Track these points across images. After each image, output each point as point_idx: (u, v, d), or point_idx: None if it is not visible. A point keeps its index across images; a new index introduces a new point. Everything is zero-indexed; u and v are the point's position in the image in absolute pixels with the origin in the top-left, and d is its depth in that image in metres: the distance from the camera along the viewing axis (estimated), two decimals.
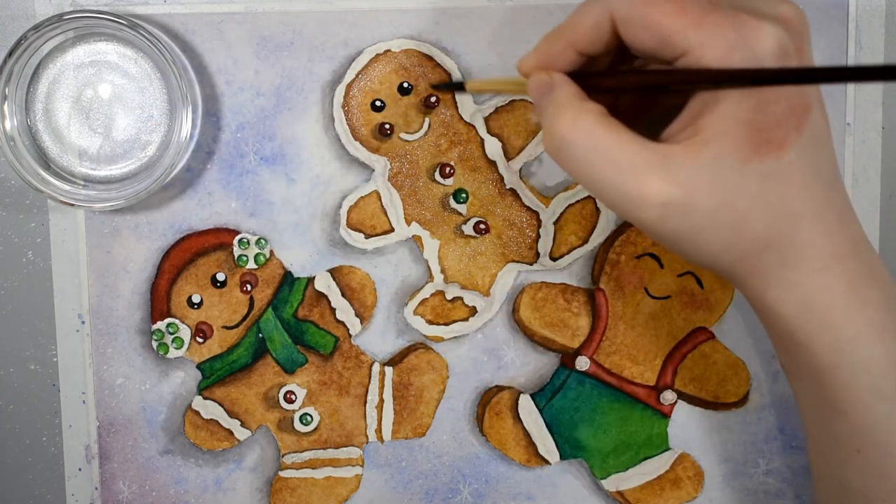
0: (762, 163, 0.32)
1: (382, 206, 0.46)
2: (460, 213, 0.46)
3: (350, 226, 0.46)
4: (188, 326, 0.46)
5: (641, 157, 0.31)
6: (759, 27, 0.31)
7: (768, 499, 0.48)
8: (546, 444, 0.47)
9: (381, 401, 0.47)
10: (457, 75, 0.45)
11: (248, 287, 0.46)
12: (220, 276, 0.46)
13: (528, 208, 0.46)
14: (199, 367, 0.46)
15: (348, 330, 0.46)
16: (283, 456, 0.47)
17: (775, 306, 0.34)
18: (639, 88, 0.36)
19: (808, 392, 0.36)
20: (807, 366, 0.35)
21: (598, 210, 0.46)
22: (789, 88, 0.31)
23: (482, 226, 0.46)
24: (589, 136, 0.32)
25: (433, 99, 0.45)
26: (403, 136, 0.46)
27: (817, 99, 0.34)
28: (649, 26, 0.32)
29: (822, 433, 0.37)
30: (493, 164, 0.46)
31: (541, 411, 0.47)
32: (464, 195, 0.45)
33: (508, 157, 0.46)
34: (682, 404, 0.48)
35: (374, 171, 0.46)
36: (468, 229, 0.46)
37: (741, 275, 0.34)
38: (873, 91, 0.47)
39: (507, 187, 0.46)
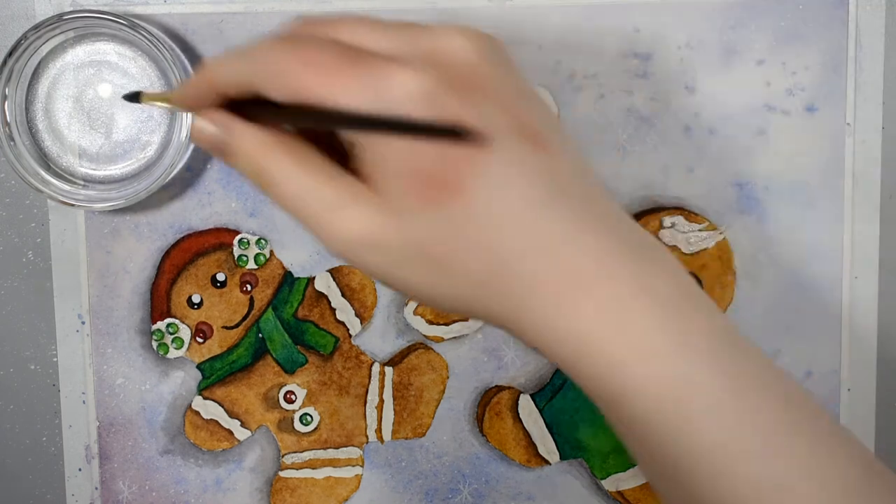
0: (443, 208, 0.29)
1: None
2: None
3: None
4: (188, 326, 0.46)
5: (333, 193, 0.30)
6: (394, 74, 0.28)
7: None
8: (546, 444, 0.47)
9: (381, 401, 0.47)
10: None
11: (248, 287, 0.46)
12: (220, 276, 0.46)
13: None
14: (199, 367, 0.46)
15: (348, 330, 0.46)
16: (283, 456, 0.47)
17: (541, 347, 0.31)
18: (293, 122, 0.33)
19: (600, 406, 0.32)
20: (591, 393, 0.31)
21: None
22: (464, 122, 0.28)
23: None
24: (278, 175, 0.30)
25: None
26: None
27: (507, 125, 0.30)
28: (286, 89, 0.30)
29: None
30: None
31: (541, 411, 0.47)
32: None
33: None
34: None
35: None
36: None
37: (490, 317, 0.31)
38: (873, 91, 0.47)
39: None
